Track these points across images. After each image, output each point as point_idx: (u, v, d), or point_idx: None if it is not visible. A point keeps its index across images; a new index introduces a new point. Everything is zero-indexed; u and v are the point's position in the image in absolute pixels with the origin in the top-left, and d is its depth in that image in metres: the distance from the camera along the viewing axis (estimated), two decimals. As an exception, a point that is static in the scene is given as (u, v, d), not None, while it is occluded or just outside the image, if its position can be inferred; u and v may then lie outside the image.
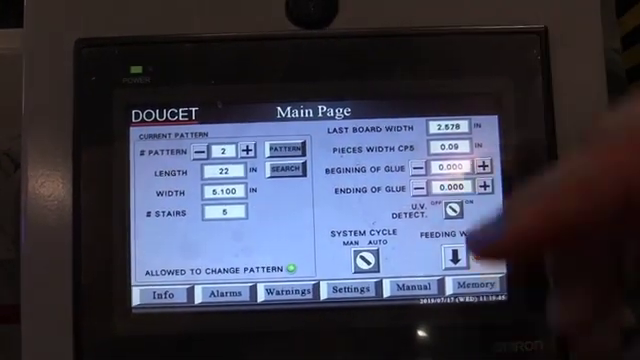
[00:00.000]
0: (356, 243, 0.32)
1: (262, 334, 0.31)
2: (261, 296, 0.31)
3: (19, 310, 0.61)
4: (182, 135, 0.32)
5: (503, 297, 0.32)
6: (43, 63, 0.33)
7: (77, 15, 0.33)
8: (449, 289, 0.32)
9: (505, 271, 0.32)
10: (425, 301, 0.31)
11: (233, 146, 0.32)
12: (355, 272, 0.32)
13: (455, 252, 0.32)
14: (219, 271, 0.32)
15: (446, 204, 0.32)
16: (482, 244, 0.19)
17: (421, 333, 0.31)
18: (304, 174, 0.32)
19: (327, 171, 0.32)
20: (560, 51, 0.33)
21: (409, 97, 0.32)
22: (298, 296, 0.31)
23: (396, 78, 0.32)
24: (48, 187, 0.33)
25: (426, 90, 0.32)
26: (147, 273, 0.31)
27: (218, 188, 0.32)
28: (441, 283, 0.32)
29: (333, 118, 0.32)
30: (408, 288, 0.32)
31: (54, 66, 0.33)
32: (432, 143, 0.32)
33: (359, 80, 0.32)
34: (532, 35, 0.33)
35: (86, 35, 0.33)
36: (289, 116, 0.32)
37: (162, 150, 0.32)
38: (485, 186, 0.32)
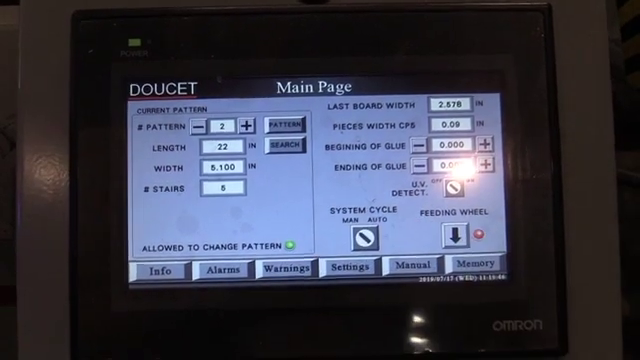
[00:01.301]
0: (355, 220, 0.31)
1: (260, 311, 0.31)
2: (259, 273, 0.31)
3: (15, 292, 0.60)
4: (180, 110, 0.32)
5: (503, 276, 0.31)
6: (40, 37, 0.33)
7: (74, -13, 0.32)
8: (449, 267, 0.31)
9: (505, 250, 0.31)
10: (424, 279, 0.31)
11: (232, 121, 0.32)
12: (354, 249, 0.31)
13: (455, 230, 0.31)
14: (217, 247, 0.31)
15: (447, 182, 0.32)
16: None
17: (420, 311, 0.31)
18: (304, 150, 0.32)
19: (327, 147, 0.32)
20: (564, 29, 0.32)
21: (410, 74, 0.32)
22: (296, 273, 0.31)
23: (398, 54, 0.32)
24: (44, 163, 0.32)
25: (428, 67, 0.32)
26: (144, 249, 0.31)
27: (217, 164, 0.32)
28: (441, 261, 0.31)
29: (334, 94, 0.32)
30: (407, 266, 0.31)
31: (51, 39, 0.32)
32: (433, 120, 0.32)
33: (360, 56, 0.32)
34: (536, 12, 0.32)
35: (83, 7, 0.32)
36: (289, 91, 0.32)
37: (160, 125, 0.32)
38: (486, 164, 0.32)
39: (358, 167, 0.32)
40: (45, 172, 0.32)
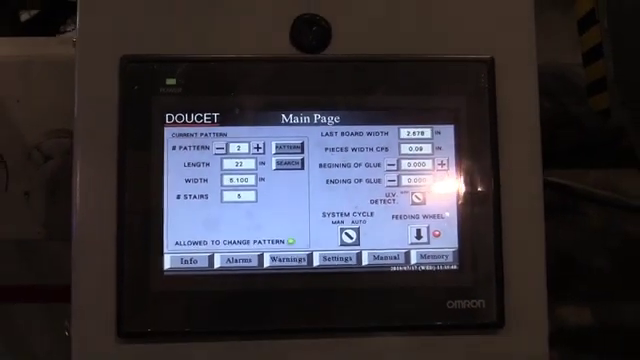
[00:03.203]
0: (342, 222, 0.40)
1: (267, 292, 0.40)
2: (267, 262, 0.40)
3: (39, 289, 0.70)
4: (206, 135, 0.40)
5: (455, 267, 0.41)
6: (93, 75, 0.41)
7: (122, 36, 0.41)
8: (413, 259, 0.41)
9: (457, 247, 0.41)
10: (395, 269, 0.40)
11: (246, 144, 0.41)
12: (341, 245, 0.40)
13: (419, 231, 0.41)
14: (234, 242, 0.40)
15: (412, 193, 0.41)
16: None
17: (391, 293, 0.40)
18: (302, 167, 0.41)
19: (320, 165, 0.41)
20: (503, 76, 0.42)
21: (386, 109, 0.41)
22: (295, 263, 0.40)
23: (376, 94, 0.41)
24: (97, 176, 0.40)
25: (398, 104, 0.41)
26: (176, 244, 0.40)
27: (234, 177, 0.40)
28: (407, 255, 0.41)
29: (326, 124, 0.41)
30: (382, 258, 0.40)
31: (103, 78, 0.41)
32: (402, 145, 0.41)
33: (346, 95, 0.41)
34: (482, 63, 0.42)
35: (129, 52, 0.41)
36: (291, 122, 0.41)
37: (190, 146, 0.40)
38: (443, 179, 0.41)
39: (344, 181, 0.41)
40: (97, 182, 0.40)
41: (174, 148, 0.40)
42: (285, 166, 0.41)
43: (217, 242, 0.40)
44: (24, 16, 1.01)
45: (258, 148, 0.41)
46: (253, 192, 0.40)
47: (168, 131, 0.40)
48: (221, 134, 0.41)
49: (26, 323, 0.76)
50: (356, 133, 0.41)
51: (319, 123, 0.41)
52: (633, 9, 0.99)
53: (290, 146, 0.41)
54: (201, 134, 0.40)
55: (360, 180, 0.41)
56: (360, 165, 0.41)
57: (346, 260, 0.40)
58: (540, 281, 0.42)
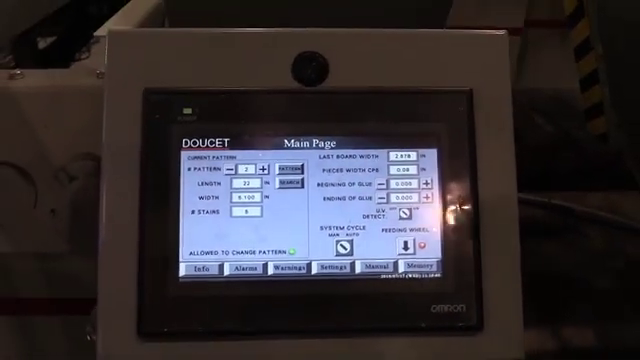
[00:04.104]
0: (337, 235, 0.46)
1: (270, 297, 0.45)
2: (270, 271, 0.45)
3: (58, 302, 0.75)
4: (218, 157, 0.46)
5: (438, 275, 0.46)
6: (120, 105, 0.47)
7: (145, 71, 0.47)
8: (401, 268, 0.45)
9: (440, 257, 0.46)
10: (384, 276, 0.45)
11: (253, 166, 0.46)
12: (336, 255, 0.45)
13: (406, 242, 0.46)
14: (241, 253, 0.45)
15: (400, 209, 0.46)
16: None
17: (382, 298, 0.45)
18: (302, 186, 0.46)
19: (318, 184, 0.46)
20: (480, 105, 0.47)
21: (376, 135, 0.47)
22: (296, 271, 0.45)
23: (368, 121, 0.47)
24: (121, 194, 0.46)
25: (387, 131, 0.47)
26: (190, 253, 0.45)
27: (242, 195, 0.46)
28: (396, 264, 0.45)
29: (323, 148, 0.46)
30: (373, 267, 0.45)
31: (128, 107, 0.46)
32: (391, 167, 0.46)
33: (342, 122, 0.47)
34: (461, 94, 0.47)
35: (151, 85, 0.46)
36: (292, 146, 0.46)
37: (203, 167, 0.46)
38: (427, 197, 0.46)
39: (339, 198, 0.46)
40: (120, 200, 0.46)
41: (189, 169, 0.46)
42: (287, 185, 0.46)
43: (226, 252, 0.45)
44: (41, 44, 1.08)
45: (263, 169, 0.46)
46: (259, 208, 0.46)
47: (184, 154, 0.46)
48: (231, 157, 0.46)
49: (45, 335, 0.81)
50: (350, 156, 0.46)
51: (317, 147, 0.46)
52: (626, 36, 1.04)
53: (292, 167, 0.46)
54: (213, 157, 0.46)
55: (354, 197, 0.46)
56: (354, 184, 0.46)
57: (341, 269, 0.45)
58: (516, 288, 0.46)
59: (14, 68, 0.77)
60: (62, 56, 0.94)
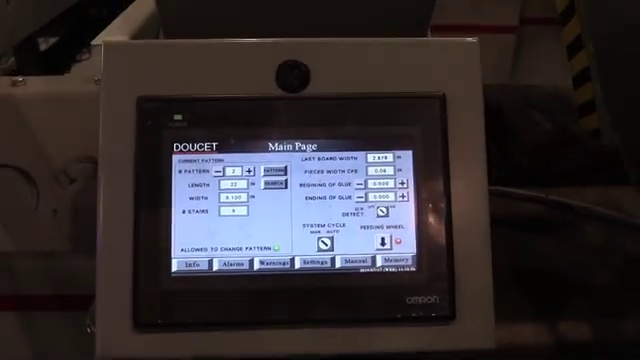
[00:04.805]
0: (319, 232, 0.49)
1: (256, 291, 0.48)
2: (256, 266, 0.48)
3: (59, 299, 0.78)
4: (206, 160, 0.49)
5: (413, 269, 0.49)
6: (115, 112, 0.50)
7: (138, 79, 0.50)
8: (379, 263, 0.49)
9: (415, 252, 0.49)
10: (363, 270, 0.49)
11: (240, 168, 0.49)
12: (318, 251, 0.49)
13: (383, 239, 0.49)
14: (229, 249, 0.48)
15: (377, 207, 0.49)
16: None
17: (360, 291, 0.48)
18: (286, 187, 0.49)
19: (301, 185, 0.49)
20: (453, 109, 0.50)
21: (355, 138, 0.50)
22: (280, 266, 0.48)
23: (347, 125, 0.50)
24: (117, 196, 0.49)
25: (366, 134, 0.50)
26: (182, 250, 0.48)
27: (229, 195, 0.49)
28: (373, 259, 0.49)
29: (305, 151, 0.49)
30: (352, 262, 0.49)
31: (122, 114, 0.49)
32: (369, 168, 0.50)
33: (322, 126, 0.50)
34: (435, 99, 0.50)
35: (144, 94, 0.50)
36: (277, 149, 0.49)
37: (193, 170, 0.49)
38: (403, 196, 0.49)
39: (321, 198, 0.49)
40: (116, 201, 0.49)
41: (180, 172, 0.49)
42: (271, 186, 0.49)
43: (215, 249, 0.48)
44: (43, 45, 1.12)
45: (249, 171, 0.49)
46: (245, 207, 0.49)
47: (175, 158, 0.49)
48: (219, 160, 0.49)
49: (47, 330, 0.84)
50: (330, 158, 0.49)
51: (300, 150, 0.49)
52: (616, 34, 1.06)
53: (276, 169, 0.49)
54: (202, 160, 0.49)
55: (334, 197, 0.49)
56: (334, 184, 0.49)
57: (322, 264, 0.48)
58: (488, 281, 0.50)
59: (16, 72, 0.81)
60: (63, 57, 0.98)
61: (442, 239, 0.49)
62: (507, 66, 1.63)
